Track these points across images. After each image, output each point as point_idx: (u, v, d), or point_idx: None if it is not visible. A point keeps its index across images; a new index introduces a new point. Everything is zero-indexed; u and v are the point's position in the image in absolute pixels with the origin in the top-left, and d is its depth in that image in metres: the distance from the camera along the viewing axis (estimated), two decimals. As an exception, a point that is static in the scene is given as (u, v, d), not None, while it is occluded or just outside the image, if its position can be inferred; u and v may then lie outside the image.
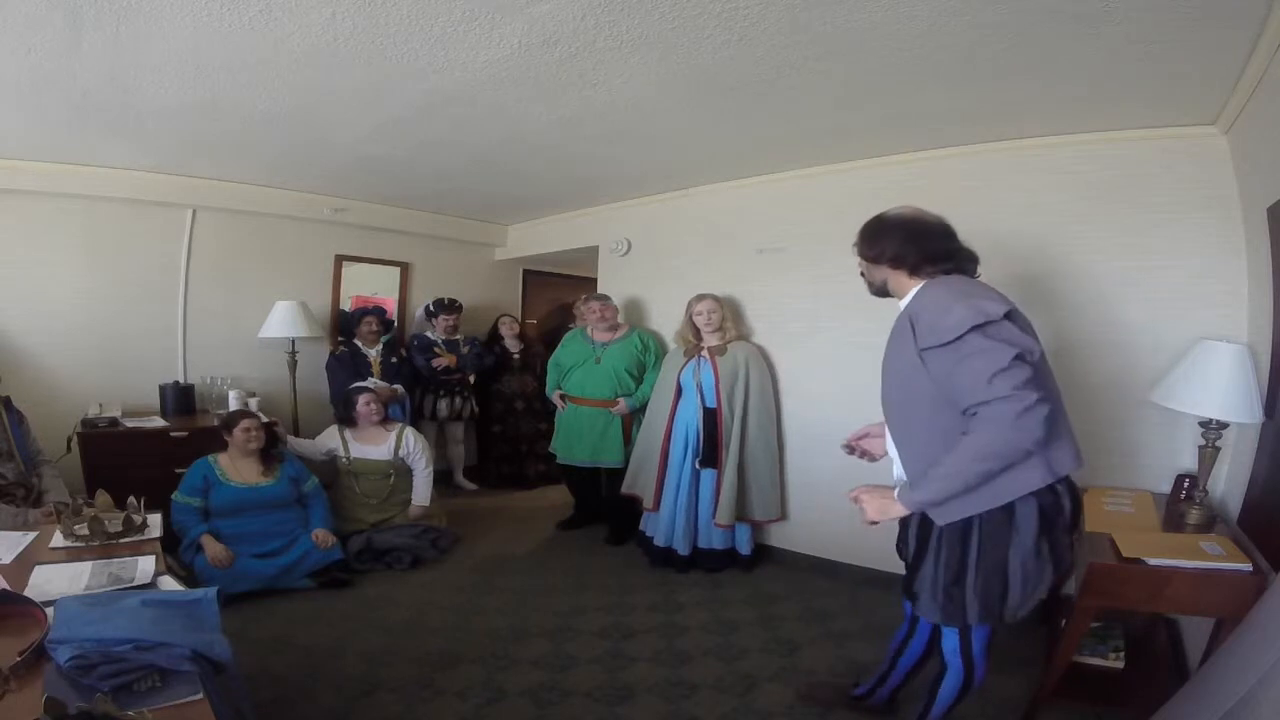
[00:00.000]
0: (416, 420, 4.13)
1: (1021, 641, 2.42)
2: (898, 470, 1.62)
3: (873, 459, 1.86)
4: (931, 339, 1.39)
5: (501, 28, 1.79)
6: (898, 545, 1.73)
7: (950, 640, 1.63)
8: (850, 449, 1.89)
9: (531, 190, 3.86)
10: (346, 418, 3.40)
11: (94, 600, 1.31)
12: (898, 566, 1.74)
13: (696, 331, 3.22)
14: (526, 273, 5.44)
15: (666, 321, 3.72)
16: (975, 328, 1.34)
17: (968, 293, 1.42)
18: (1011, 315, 1.39)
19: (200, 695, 1.07)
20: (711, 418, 3.12)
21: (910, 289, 1.56)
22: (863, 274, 1.69)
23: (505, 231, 5.05)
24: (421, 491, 3.42)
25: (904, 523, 1.67)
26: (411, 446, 3.41)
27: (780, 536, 3.34)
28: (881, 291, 1.66)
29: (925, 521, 1.53)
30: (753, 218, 3.43)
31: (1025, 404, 1.26)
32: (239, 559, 2.69)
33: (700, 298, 3.21)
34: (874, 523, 1.53)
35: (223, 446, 2.92)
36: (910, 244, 1.55)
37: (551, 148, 2.94)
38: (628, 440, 3.52)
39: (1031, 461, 1.37)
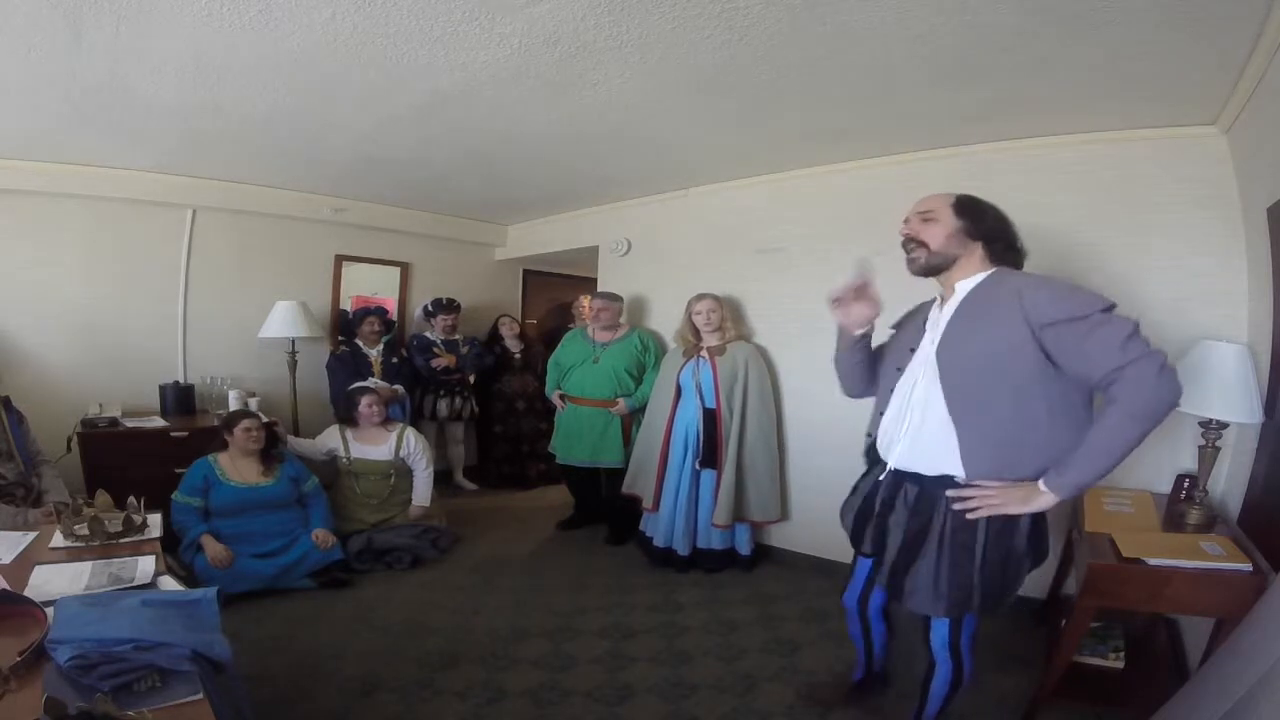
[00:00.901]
0: (416, 420, 4.13)
1: (1021, 641, 2.43)
2: (914, 454, 1.56)
3: (847, 323, 1.71)
4: (1059, 313, 1.36)
5: (501, 28, 1.79)
6: (854, 533, 1.73)
7: (940, 634, 1.63)
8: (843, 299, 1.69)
9: (531, 190, 3.86)
10: (348, 418, 3.40)
11: (94, 600, 1.31)
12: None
13: (696, 331, 3.22)
14: (526, 273, 5.44)
15: (666, 321, 3.72)
16: (1106, 308, 1.35)
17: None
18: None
19: (200, 695, 1.07)
20: (711, 418, 3.12)
21: (977, 271, 1.55)
22: (919, 242, 1.57)
23: (505, 231, 5.05)
24: (422, 491, 3.42)
25: (869, 516, 1.69)
26: (412, 447, 3.41)
27: (780, 536, 3.34)
28: (936, 269, 1.58)
29: (920, 514, 1.53)
30: (753, 218, 3.43)
31: (1162, 360, 1.28)
32: (239, 559, 2.69)
33: (700, 297, 3.21)
34: (1000, 514, 1.44)
35: (223, 446, 2.92)
36: (1003, 227, 1.57)
37: (551, 147, 2.94)
38: (627, 440, 3.52)
39: None
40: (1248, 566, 1.61)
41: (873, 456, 1.75)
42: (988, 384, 1.45)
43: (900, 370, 1.65)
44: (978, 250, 1.55)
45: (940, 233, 1.55)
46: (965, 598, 1.49)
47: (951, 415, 1.49)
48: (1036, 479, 1.40)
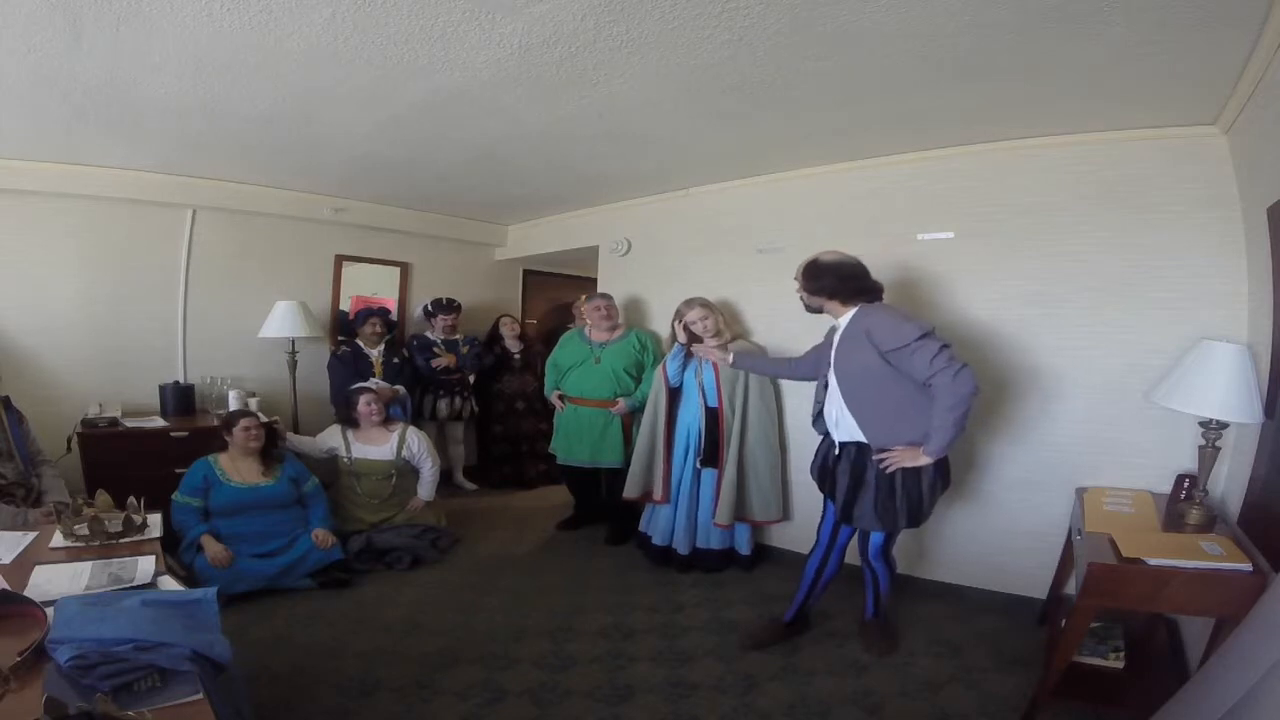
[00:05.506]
0: (416, 420, 4.12)
1: (1021, 641, 2.43)
2: (844, 431, 2.21)
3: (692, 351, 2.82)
4: (894, 343, 2.01)
5: (502, 27, 1.79)
6: (820, 483, 2.38)
7: (875, 545, 2.29)
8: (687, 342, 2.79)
9: (531, 190, 3.86)
10: (348, 418, 3.41)
11: (94, 600, 1.31)
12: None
13: (695, 339, 3.17)
14: (526, 273, 5.44)
15: (666, 321, 3.70)
16: (921, 335, 1.99)
17: (906, 315, 2.13)
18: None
19: (200, 695, 1.07)
20: (713, 417, 3.12)
21: (844, 312, 2.20)
22: (801, 297, 2.28)
23: (505, 231, 5.05)
24: (428, 486, 3.45)
25: (824, 468, 2.33)
26: (416, 447, 3.42)
27: (780, 536, 3.34)
28: (816, 311, 2.29)
29: (857, 467, 2.17)
30: (753, 218, 3.43)
31: (955, 369, 1.94)
32: (239, 559, 2.69)
33: (689, 306, 3.11)
34: (904, 466, 2.09)
35: (223, 446, 2.92)
36: (842, 283, 2.17)
37: (551, 148, 2.94)
38: (627, 441, 3.51)
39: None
40: (1248, 566, 1.61)
41: (820, 428, 2.42)
42: (861, 385, 2.13)
43: (824, 374, 2.30)
44: (831, 301, 2.20)
45: (804, 291, 2.26)
46: (894, 518, 2.13)
47: (848, 405, 2.16)
48: (920, 443, 2.04)
